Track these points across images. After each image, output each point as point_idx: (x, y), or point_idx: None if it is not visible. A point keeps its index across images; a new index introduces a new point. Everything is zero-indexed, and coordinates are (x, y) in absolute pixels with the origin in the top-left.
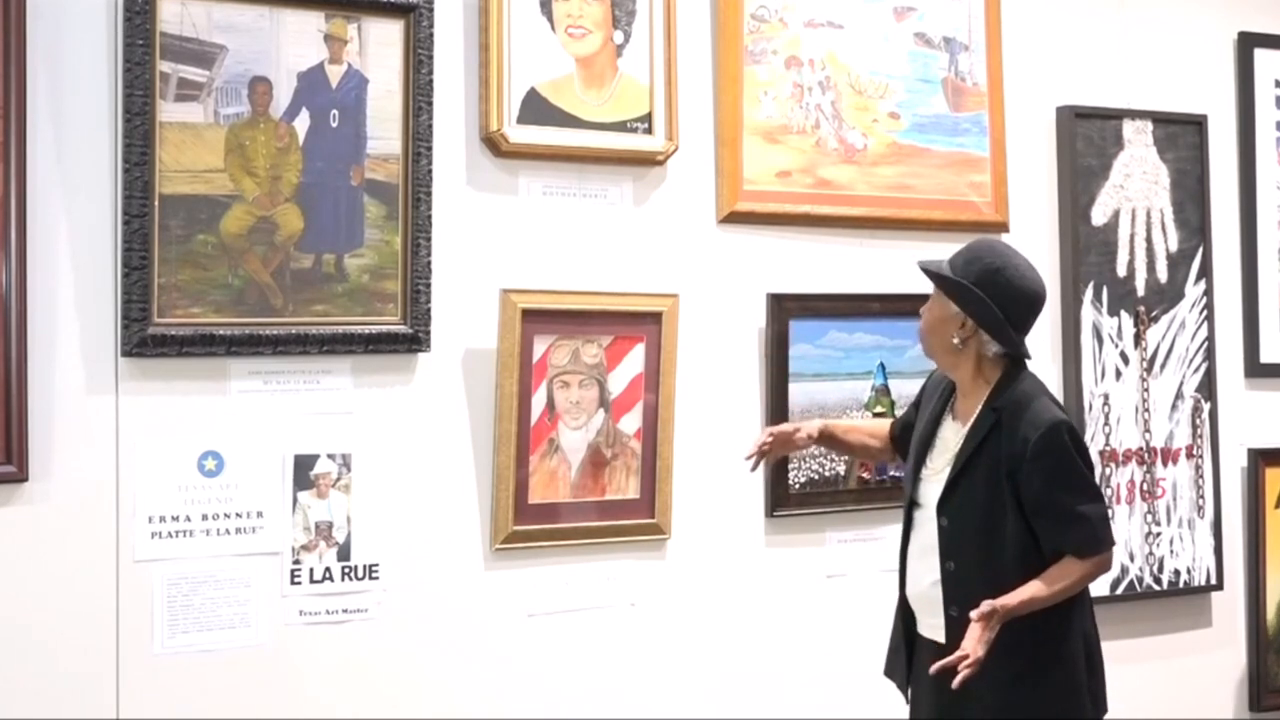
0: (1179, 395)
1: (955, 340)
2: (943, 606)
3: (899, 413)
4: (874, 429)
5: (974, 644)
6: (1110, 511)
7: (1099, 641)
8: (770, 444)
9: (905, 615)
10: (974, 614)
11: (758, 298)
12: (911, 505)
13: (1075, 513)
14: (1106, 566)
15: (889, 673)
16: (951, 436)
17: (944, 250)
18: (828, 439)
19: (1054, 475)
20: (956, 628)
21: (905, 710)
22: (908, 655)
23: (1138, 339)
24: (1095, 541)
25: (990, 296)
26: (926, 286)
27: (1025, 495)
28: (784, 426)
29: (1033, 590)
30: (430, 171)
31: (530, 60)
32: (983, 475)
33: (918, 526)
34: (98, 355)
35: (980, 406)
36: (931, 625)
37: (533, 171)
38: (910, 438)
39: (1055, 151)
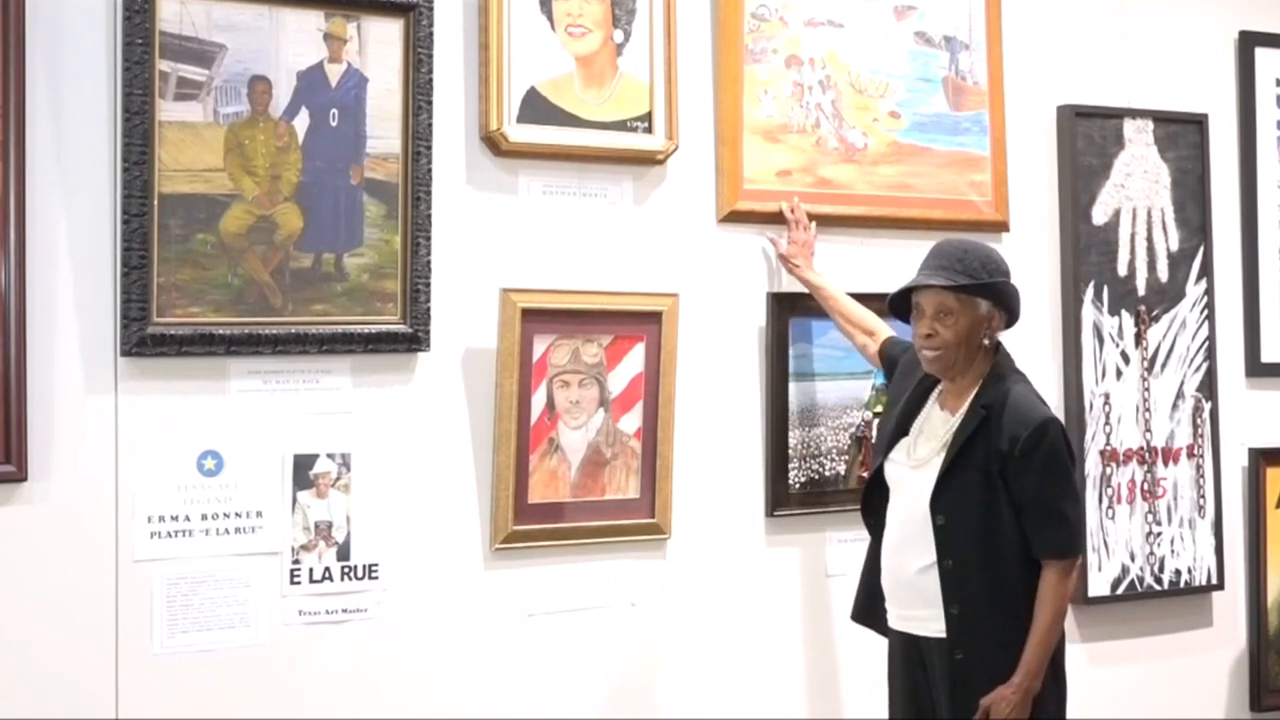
0: (1180, 395)
1: (986, 341)
2: (942, 604)
3: None
4: (869, 328)
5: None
6: (1110, 512)
7: None
8: (798, 241)
9: (874, 569)
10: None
11: (758, 297)
12: (885, 485)
13: (1058, 512)
14: (1075, 567)
15: (861, 618)
16: (940, 427)
17: None
18: (818, 293)
19: (1042, 473)
20: (957, 625)
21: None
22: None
23: (1138, 338)
24: (1070, 545)
25: (1008, 282)
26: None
27: (1014, 491)
28: (802, 261)
29: (1034, 644)
30: (430, 171)
31: (530, 59)
32: (975, 472)
33: (895, 511)
34: (97, 355)
35: (969, 401)
36: (909, 618)
37: (533, 171)
38: (895, 368)
39: (1056, 151)
